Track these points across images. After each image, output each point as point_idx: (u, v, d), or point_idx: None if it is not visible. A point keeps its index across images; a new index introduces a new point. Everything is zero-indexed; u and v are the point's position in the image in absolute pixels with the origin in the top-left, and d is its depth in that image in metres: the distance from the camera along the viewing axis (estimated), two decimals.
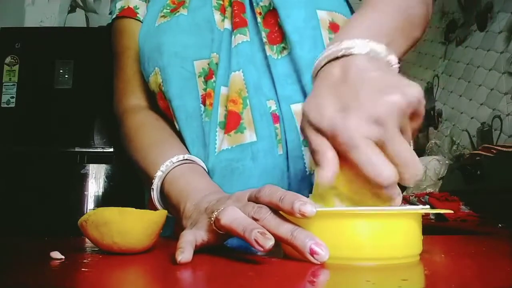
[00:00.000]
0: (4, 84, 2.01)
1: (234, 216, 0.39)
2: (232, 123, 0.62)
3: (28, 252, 0.46)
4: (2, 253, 0.46)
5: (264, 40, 0.66)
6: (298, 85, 0.64)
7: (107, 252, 0.42)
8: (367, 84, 0.37)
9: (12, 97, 2.00)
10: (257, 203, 0.41)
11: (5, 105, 1.99)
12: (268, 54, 0.65)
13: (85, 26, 2.34)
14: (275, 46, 0.66)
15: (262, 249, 0.35)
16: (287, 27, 0.64)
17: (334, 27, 0.67)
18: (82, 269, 0.36)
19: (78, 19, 2.38)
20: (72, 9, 2.34)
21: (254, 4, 0.68)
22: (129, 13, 0.74)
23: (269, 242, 0.35)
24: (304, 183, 0.61)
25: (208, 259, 0.39)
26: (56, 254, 0.39)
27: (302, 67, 0.63)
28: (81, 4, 2.32)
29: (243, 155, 0.61)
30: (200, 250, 0.41)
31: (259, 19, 0.67)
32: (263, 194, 0.40)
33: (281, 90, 0.64)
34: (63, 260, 0.39)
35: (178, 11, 0.68)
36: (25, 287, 0.29)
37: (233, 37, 0.65)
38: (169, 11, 0.70)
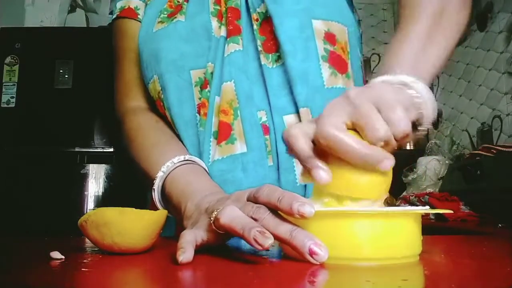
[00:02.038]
0: (4, 84, 2.00)
1: (233, 215, 0.39)
2: (223, 133, 0.62)
3: (28, 252, 0.46)
4: (2, 253, 0.46)
5: (260, 48, 0.65)
6: (290, 96, 0.63)
7: (107, 252, 0.42)
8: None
9: (12, 97, 2.00)
10: (255, 202, 0.41)
11: (5, 105, 1.99)
12: (263, 63, 0.64)
13: (85, 26, 2.34)
14: (270, 55, 0.65)
15: (261, 248, 0.35)
16: (281, 36, 0.63)
17: (329, 38, 0.66)
18: (82, 269, 0.36)
19: (78, 19, 2.38)
20: (72, 9, 2.34)
21: (251, 10, 0.67)
22: (129, 14, 0.74)
23: (268, 241, 0.35)
24: None
25: (208, 259, 0.39)
26: (56, 254, 0.39)
27: (294, 77, 0.62)
28: (81, 4, 2.32)
29: (234, 166, 0.61)
30: (200, 250, 0.41)
31: (255, 26, 0.66)
32: (262, 194, 0.40)
33: (275, 101, 0.63)
34: (63, 260, 0.39)
35: (176, 17, 0.67)
36: (25, 287, 0.29)
37: (226, 45, 0.65)
38: (166, 16, 0.69)
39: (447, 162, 1.97)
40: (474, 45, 2.09)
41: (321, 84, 0.64)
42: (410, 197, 1.71)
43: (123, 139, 0.70)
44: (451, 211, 0.43)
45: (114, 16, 0.76)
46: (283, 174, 0.61)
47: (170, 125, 0.69)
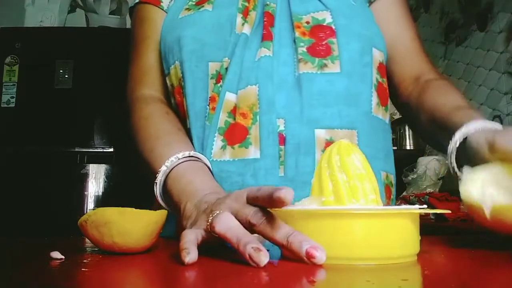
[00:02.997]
0: (4, 84, 2.00)
1: (228, 225, 0.39)
2: (238, 136, 0.61)
3: (28, 252, 0.46)
4: (2, 253, 0.46)
5: (300, 56, 0.64)
6: (334, 109, 0.63)
7: (107, 252, 0.42)
8: None
9: (12, 97, 2.00)
10: (254, 203, 0.40)
11: (5, 105, 1.99)
12: (302, 71, 0.63)
13: (85, 26, 2.34)
14: (317, 59, 0.64)
15: (256, 266, 0.35)
16: (343, 54, 0.64)
17: (381, 69, 0.69)
18: (82, 269, 0.36)
19: (78, 19, 2.38)
20: (72, 9, 2.34)
21: (295, 17, 0.66)
22: (152, 0, 0.74)
23: (264, 260, 0.35)
24: None
25: (208, 259, 0.39)
26: (56, 254, 0.39)
27: (345, 97, 0.63)
28: (81, 4, 2.31)
29: (245, 170, 0.60)
30: (200, 251, 0.41)
31: (297, 33, 0.65)
32: (262, 195, 0.40)
33: (309, 111, 0.62)
34: (63, 260, 0.39)
35: (203, 6, 0.68)
36: (25, 287, 0.29)
37: (259, 49, 0.64)
38: (194, 3, 0.70)
39: (447, 162, 1.97)
40: (474, 45, 2.09)
41: (369, 110, 0.66)
42: (410, 197, 1.71)
43: (130, 128, 0.70)
44: (449, 211, 0.43)
45: (137, 1, 0.76)
46: (298, 188, 0.58)
47: (180, 117, 0.69)
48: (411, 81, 0.71)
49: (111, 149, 2.01)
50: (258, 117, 0.61)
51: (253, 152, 0.61)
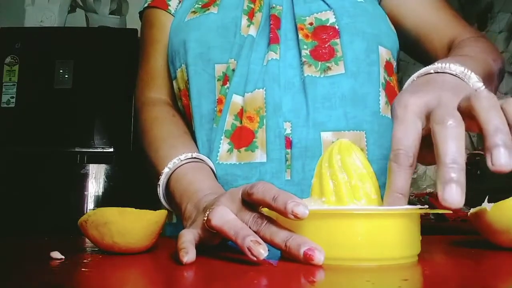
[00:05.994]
0: (4, 84, 2.00)
1: (225, 218, 0.39)
2: (244, 139, 0.61)
3: (28, 252, 0.46)
4: (2, 253, 0.46)
5: (304, 59, 0.63)
6: (340, 111, 0.62)
7: (107, 252, 0.42)
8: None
9: (12, 97, 2.00)
10: (249, 199, 0.40)
11: (5, 105, 1.99)
12: (306, 74, 0.62)
13: (85, 26, 2.34)
14: (320, 63, 0.63)
15: (255, 259, 0.35)
16: (347, 54, 0.63)
17: (388, 67, 0.67)
18: (82, 269, 0.36)
19: (78, 19, 2.37)
20: (72, 9, 2.34)
21: (298, 19, 0.65)
22: (160, 4, 0.75)
23: (263, 253, 0.35)
24: None
25: (208, 259, 0.39)
26: (56, 254, 0.39)
27: (351, 98, 0.62)
28: (81, 4, 2.31)
29: (251, 174, 0.60)
30: (200, 250, 0.41)
31: (301, 35, 0.64)
32: (256, 191, 0.39)
33: (314, 114, 0.61)
34: (63, 260, 0.39)
35: (209, 9, 0.68)
36: (25, 287, 0.29)
37: (267, 53, 0.64)
38: (200, 6, 0.70)
39: None
40: None
41: (377, 110, 0.64)
42: (410, 197, 1.72)
43: (138, 129, 0.71)
44: (450, 211, 0.43)
45: (146, 5, 0.77)
46: (306, 192, 0.58)
47: (187, 120, 0.69)
48: (445, 51, 0.67)
49: (111, 149, 2.01)
50: (265, 120, 0.61)
51: (259, 156, 0.60)
